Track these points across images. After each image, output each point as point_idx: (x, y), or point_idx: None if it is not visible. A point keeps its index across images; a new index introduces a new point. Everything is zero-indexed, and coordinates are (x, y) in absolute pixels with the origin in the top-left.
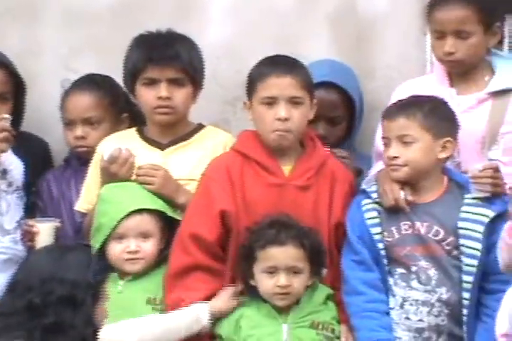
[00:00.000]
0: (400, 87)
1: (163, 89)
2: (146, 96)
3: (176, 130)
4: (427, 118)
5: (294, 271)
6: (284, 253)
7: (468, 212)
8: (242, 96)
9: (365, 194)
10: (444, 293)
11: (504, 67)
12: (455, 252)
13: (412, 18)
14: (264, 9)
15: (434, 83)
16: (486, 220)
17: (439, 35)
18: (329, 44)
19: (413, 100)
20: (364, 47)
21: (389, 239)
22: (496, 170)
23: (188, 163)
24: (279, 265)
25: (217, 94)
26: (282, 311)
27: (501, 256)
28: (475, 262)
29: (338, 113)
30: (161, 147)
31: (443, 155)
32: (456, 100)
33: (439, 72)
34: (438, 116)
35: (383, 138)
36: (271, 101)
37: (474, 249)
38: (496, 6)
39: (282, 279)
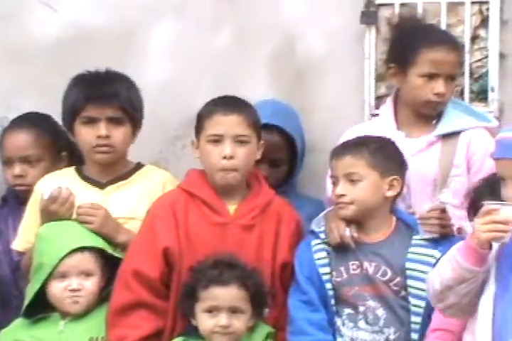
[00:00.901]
0: (348, 132)
1: (102, 128)
2: (85, 135)
3: (115, 169)
4: (374, 156)
5: (235, 311)
6: (227, 294)
7: (416, 253)
8: (181, 135)
9: (315, 234)
10: (391, 333)
11: (451, 111)
12: (403, 293)
13: (351, 60)
14: (203, 49)
15: (381, 127)
16: (433, 261)
17: (429, 75)
18: (268, 84)
19: (360, 139)
20: (302, 88)
21: (337, 279)
22: (443, 211)
23: (127, 202)
24: (220, 305)
25: (157, 133)
26: None
27: (433, 284)
28: (422, 303)
29: (280, 155)
30: (100, 186)
31: (390, 193)
32: (405, 143)
33: (388, 115)
34: (384, 155)
35: (331, 176)
36: (217, 139)
37: (421, 289)
38: None
39: (223, 319)
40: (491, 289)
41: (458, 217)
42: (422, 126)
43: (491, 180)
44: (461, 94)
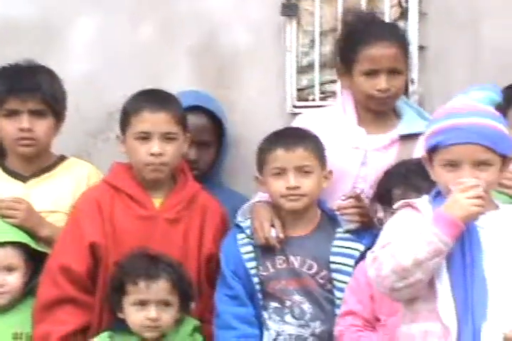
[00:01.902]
0: (303, 116)
1: (24, 121)
2: (7, 128)
3: (38, 162)
4: (319, 149)
5: (164, 304)
6: (155, 287)
7: (340, 246)
8: (104, 128)
9: (240, 228)
10: (317, 327)
11: (408, 112)
12: (328, 286)
13: (273, 52)
14: (125, 41)
15: (340, 119)
16: (357, 254)
17: (371, 72)
18: (191, 76)
19: (302, 131)
20: (225, 80)
21: (264, 274)
22: (359, 198)
23: (50, 195)
24: (149, 298)
25: (80, 126)
26: None
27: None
28: None
29: (208, 136)
30: (23, 179)
31: (325, 185)
32: (367, 139)
33: (349, 110)
34: (323, 147)
35: (276, 168)
36: (145, 136)
37: (346, 282)
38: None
39: (153, 312)
40: (444, 274)
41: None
42: (383, 124)
43: (402, 169)
44: None
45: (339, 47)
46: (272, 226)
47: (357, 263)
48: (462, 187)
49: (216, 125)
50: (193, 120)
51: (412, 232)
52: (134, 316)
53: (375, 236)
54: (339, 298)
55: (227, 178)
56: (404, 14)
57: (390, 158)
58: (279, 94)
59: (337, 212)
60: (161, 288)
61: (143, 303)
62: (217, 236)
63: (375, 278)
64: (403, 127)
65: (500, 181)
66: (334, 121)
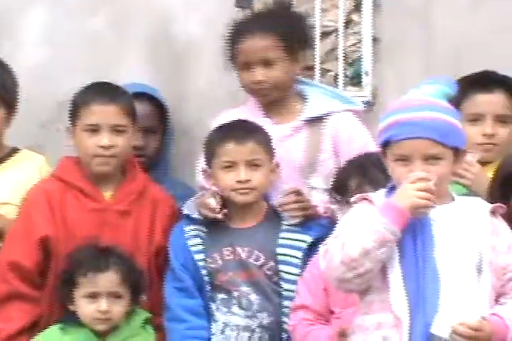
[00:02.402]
0: (219, 118)
1: None
2: None
3: None
4: (268, 142)
5: (114, 296)
6: (106, 279)
7: (287, 238)
8: (56, 119)
9: (188, 220)
10: (265, 318)
11: (315, 95)
12: (275, 278)
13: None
14: (77, 32)
15: (248, 114)
16: (304, 246)
17: (246, 66)
18: (144, 68)
19: (250, 125)
20: (178, 72)
21: (212, 265)
22: (298, 193)
23: (2, 187)
24: (100, 290)
25: (30, 116)
26: (101, 335)
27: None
28: (293, 287)
29: (153, 123)
30: None
31: (272, 178)
32: (272, 130)
33: (252, 102)
34: (270, 140)
35: (226, 161)
36: (94, 129)
37: (293, 274)
38: (300, 34)
39: (103, 304)
40: (396, 265)
41: (327, 202)
42: (287, 112)
43: (361, 161)
44: (336, 78)
45: (226, 42)
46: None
47: (306, 254)
48: (412, 179)
49: (161, 112)
50: (138, 107)
51: (362, 223)
52: (85, 308)
53: (323, 227)
54: (286, 290)
55: (180, 169)
56: (358, 6)
57: (298, 144)
58: (231, 85)
59: (279, 209)
60: (111, 280)
61: (93, 296)
62: (167, 229)
63: (326, 269)
64: (308, 112)
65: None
66: (245, 116)
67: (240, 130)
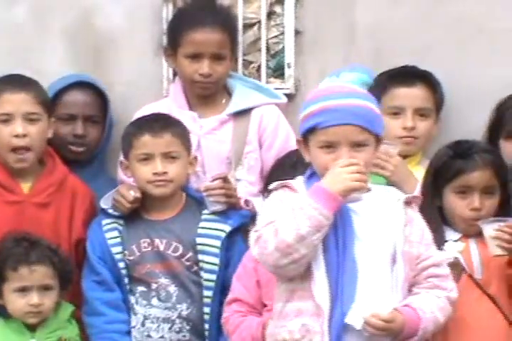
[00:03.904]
0: (140, 112)
1: None
2: None
3: None
4: (184, 134)
5: (45, 288)
6: (36, 272)
7: (205, 228)
8: None
9: (105, 213)
10: (184, 309)
11: (240, 89)
12: (195, 268)
13: (149, 34)
14: None
15: (173, 107)
16: (223, 235)
17: (194, 56)
18: (65, 58)
19: (167, 117)
20: (101, 62)
21: (130, 258)
22: (226, 180)
23: None
24: (31, 284)
25: None
26: (30, 327)
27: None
28: (213, 277)
29: (94, 112)
30: None
31: (190, 171)
32: (199, 123)
33: (178, 95)
34: (187, 133)
35: (143, 153)
36: (7, 118)
37: (212, 264)
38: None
39: (35, 298)
40: (319, 255)
41: (252, 194)
42: (213, 106)
43: (293, 161)
44: (258, 70)
45: (168, 28)
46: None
47: (223, 243)
48: (344, 163)
49: (101, 102)
50: (79, 95)
51: (294, 208)
52: (16, 303)
53: (242, 217)
54: (206, 280)
55: (113, 159)
56: None
57: (224, 138)
58: (155, 76)
59: (204, 193)
60: (42, 272)
61: (24, 289)
62: (86, 221)
63: (259, 256)
64: (233, 105)
65: (375, 162)
66: (169, 109)
67: (157, 122)
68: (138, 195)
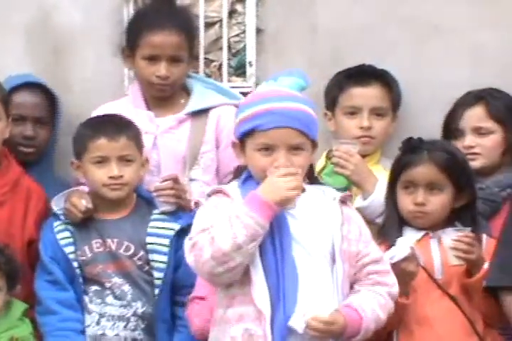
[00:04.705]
0: (97, 111)
1: None
2: None
3: None
4: (139, 137)
5: None
6: None
7: (155, 227)
8: None
9: (56, 216)
10: (139, 307)
11: (199, 89)
12: (146, 267)
13: (109, 32)
14: None
15: (130, 106)
16: (172, 234)
17: (151, 58)
18: (25, 57)
19: (122, 119)
20: (60, 60)
21: (82, 258)
22: (176, 181)
23: None
24: None
25: None
26: None
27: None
28: (161, 275)
29: (43, 113)
30: None
31: (142, 172)
32: (155, 122)
33: (136, 95)
34: (141, 135)
35: (98, 156)
36: None
37: (162, 262)
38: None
39: None
40: (257, 260)
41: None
42: (171, 106)
43: None
44: (220, 69)
45: (126, 29)
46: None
47: (172, 241)
48: (281, 173)
49: (51, 103)
50: (28, 97)
51: (230, 217)
52: None
53: (193, 217)
54: (157, 278)
55: (62, 163)
56: None
57: (181, 137)
58: (116, 75)
59: (154, 193)
60: None
61: None
62: (39, 221)
63: (195, 263)
64: (192, 105)
65: (335, 162)
66: (126, 108)
67: (112, 125)
68: (90, 205)
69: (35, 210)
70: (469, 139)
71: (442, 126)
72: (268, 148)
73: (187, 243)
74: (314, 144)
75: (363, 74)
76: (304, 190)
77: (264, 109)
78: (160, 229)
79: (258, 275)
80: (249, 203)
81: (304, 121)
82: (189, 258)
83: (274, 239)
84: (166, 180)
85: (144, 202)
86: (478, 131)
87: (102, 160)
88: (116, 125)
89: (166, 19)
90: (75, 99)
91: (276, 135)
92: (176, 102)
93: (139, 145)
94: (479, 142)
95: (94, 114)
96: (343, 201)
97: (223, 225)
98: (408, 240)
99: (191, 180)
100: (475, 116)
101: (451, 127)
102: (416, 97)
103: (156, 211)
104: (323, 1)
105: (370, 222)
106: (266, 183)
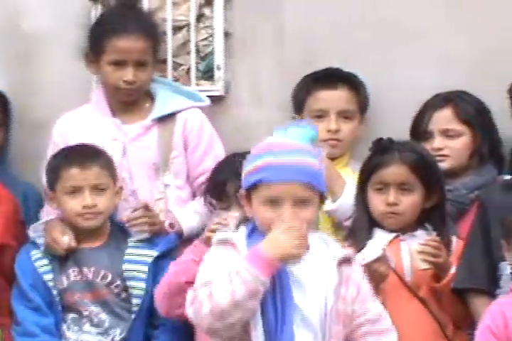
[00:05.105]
0: (61, 120)
1: None
2: None
3: None
4: (112, 165)
5: None
6: None
7: (132, 254)
8: None
9: (35, 245)
10: (117, 334)
11: (165, 94)
12: (124, 294)
13: (77, 35)
14: None
15: (95, 114)
16: (149, 260)
17: (117, 63)
18: None
19: (94, 148)
20: (28, 63)
21: (60, 286)
22: (147, 208)
23: None
24: None
25: None
26: None
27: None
28: (139, 301)
29: None
30: None
31: (117, 200)
32: (123, 129)
33: (101, 102)
34: (114, 163)
35: (71, 186)
36: None
37: (140, 289)
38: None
39: None
40: (258, 317)
41: (181, 199)
42: (137, 111)
43: (235, 165)
44: (188, 72)
45: (90, 34)
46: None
47: (150, 268)
48: (285, 227)
49: (4, 106)
50: None
51: (230, 272)
52: None
53: (169, 242)
54: (136, 305)
55: (30, 167)
56: (210, 0)
57: (150, 143)
58: (84, 79)
59: (127, 224)
60: None
61: None
62: (8, 225)
63: (194, 316)
64: (157, 110)
65: None
66: (91, 116)
67: (84, 154)
68: (73, 243)
69: (3, 214)
70: (438, 141)
71: (410, 128)
72: (273, 202)
73: (189, 294)
74: (322, 197)
75: (330, 78)
76: (308, 247)
77: (268, 162)
78: (137, 256)
79: (258, 333)
80: (251, 258)
81: (310, 174)
82: (189, 310)
83: (275, 296)
84: (137, 209)
85: (119, 229)
86: (447, 134)
87: (76, 190)
88: (88, 154)
89: (130, 24)
90: (43, 102)
91: (281, 188)
92: (140, 107)
93: (112, 173)
94: (448, 144)
95: (58, 122)
96: (343, 261)
97: (223, 280)
98: (380, 241)
99: (166, 185)
100: (444, 118)
101: (419, 129)
102: (384, 100)
103: (131, 239)
104: (291, 5)
105: (339, 225)
106: (269, 238)
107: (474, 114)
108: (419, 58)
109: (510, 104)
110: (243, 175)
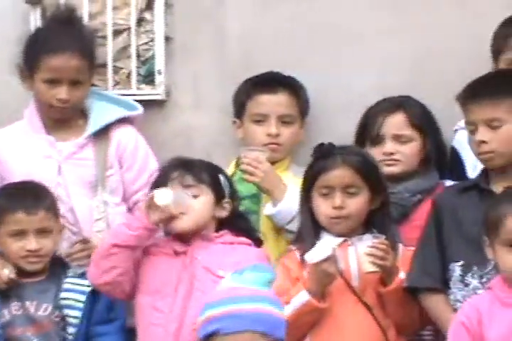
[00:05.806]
0: None
1: None
2: None
3: None
4: (55, 206)
5: None
6: None
7: (71, 283)
8: None
9: None
10: None
11: (97, 107)
12: (62, 324)
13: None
14: None
15: (27, 131)
16: (87, 289)
17: (51, 81)
18: None
19: (37, 188)
20: None
21: (2, 320)
22: (85, 241)
23: None
24: None
25: None
26: None
27: None
28: (74, 330)
29: None
30: None
31: (59, 239)
32: (57, 147)
33: (34, 119)
34: (56, 205)
35: (15, 230)
36: None
37: (77, 317)
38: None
39: None
40: None
41: (120, 214)
42: (70, 128)
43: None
44: (129, 76)
45: (24, 50)
46: None
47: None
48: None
49: None
50: None
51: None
52: None
53: None
54: (71, 334)
55: None
56: (150, 4)
57: (85, 162)
58: (21, 90)
59: (66, 259)
60: None
61: None
62: None
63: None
64: (91, 126)
65: (244, 168)
66: (24, 133)
67: (30, 197)
68: (12, 275)
69: None
70: (389, 146)
71: (356, 133)
72: None
73: None
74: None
75: (270, 82)
76: None
77: (222, 312)
78: (75, 286)
79: None
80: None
81: (267, 322)
82: None
83: None
84: (76, 243)
85: (59, 261)
86: (399, 139)
87: (20, 233)
88: (33, 196)
89: (65, 41)
90: None
91: (236, 339)
92: (75, 125)
93: (56, 213)
94: (399, 149)
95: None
96: None
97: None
98: (330, 241)
99: (105, 203)
100: (396, 123)
101: (368, 133)
102: (326, 104)
103: (70, 270)
104: (232, 9)
105: (281, 229)
106: None
107: (424, 119)
108: (360, 62)
109: (463, 113)
110: (200, 322)
